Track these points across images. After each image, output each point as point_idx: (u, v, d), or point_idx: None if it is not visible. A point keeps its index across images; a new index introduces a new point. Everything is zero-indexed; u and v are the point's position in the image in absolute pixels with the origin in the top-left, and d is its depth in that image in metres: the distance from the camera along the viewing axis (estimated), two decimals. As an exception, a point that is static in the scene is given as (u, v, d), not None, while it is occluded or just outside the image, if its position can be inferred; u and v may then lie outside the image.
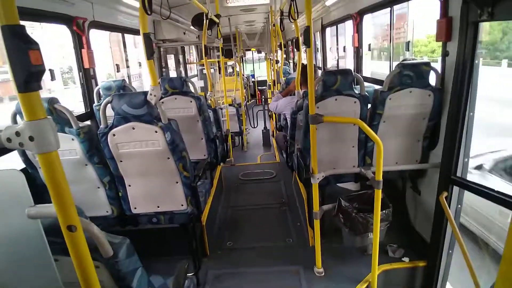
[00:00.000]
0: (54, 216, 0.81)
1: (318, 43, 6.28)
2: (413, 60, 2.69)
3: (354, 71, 3.02)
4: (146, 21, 1.95)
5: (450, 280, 2.42)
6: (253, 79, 12.53)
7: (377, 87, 3.05)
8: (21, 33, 0.70)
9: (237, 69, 7.70)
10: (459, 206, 2.25)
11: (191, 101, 3.11)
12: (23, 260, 0.92)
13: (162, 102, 3.03)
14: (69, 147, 2.06)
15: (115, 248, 1.05)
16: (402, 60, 2.59)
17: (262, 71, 14.13)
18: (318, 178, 2.34)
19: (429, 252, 2.41)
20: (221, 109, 5.08)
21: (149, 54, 1.91)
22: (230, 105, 5.31)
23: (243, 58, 10.74)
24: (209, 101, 4.39)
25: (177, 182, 2.29)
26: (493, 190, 1.84)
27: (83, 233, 0.84)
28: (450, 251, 2.33)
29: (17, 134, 0.74)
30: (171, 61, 6.95)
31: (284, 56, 7.34)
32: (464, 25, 1.96)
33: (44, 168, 0.76)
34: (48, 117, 0.75)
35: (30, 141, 0.74)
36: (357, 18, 3.92)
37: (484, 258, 3.69)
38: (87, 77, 3.14)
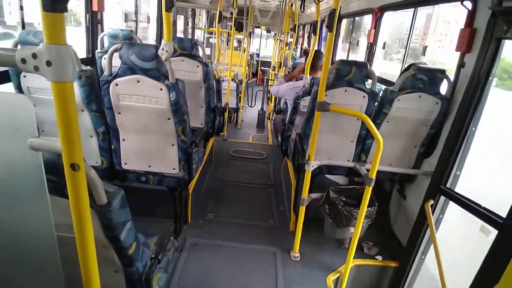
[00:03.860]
0: (58, 151, 0.77)
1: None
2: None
3: None
4: None
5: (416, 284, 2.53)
6: (257, 58, 12.29)
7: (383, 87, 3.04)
8: None
9: (245, 44, 7.50)
10: (441, 216, 2.31)
11: (198, 66, 3.01)
12: (17, 192, 0.87)
13: None
14: None
15: (110, 197, 1.02)
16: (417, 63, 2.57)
17: (267, 51, 13.87)
18: (312, 166, 2.35)
19: (403, 254, 2.49)
20: (223, 81, 4.98)
21: (168, 6, 1.81)
22: (231, 79, 5.20)
23: (251, 34, 10.46)
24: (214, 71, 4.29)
25: (173, 145, 2.26)
26: (479, 205, 1.87)
27: (85, 173, 0.81)
28: (423, 257, 2.41)
29: (34, 56, 0.68)
30: (179, 22, 6.70)
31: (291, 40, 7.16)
32: (487, 39, 1.94)
33: (57, 99, 0.71)
34: (70, 44, 0.69)
35: (47, 66, 0.68)
36: (378, 13, 3.84)
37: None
38: (94, 21, 2.99)
